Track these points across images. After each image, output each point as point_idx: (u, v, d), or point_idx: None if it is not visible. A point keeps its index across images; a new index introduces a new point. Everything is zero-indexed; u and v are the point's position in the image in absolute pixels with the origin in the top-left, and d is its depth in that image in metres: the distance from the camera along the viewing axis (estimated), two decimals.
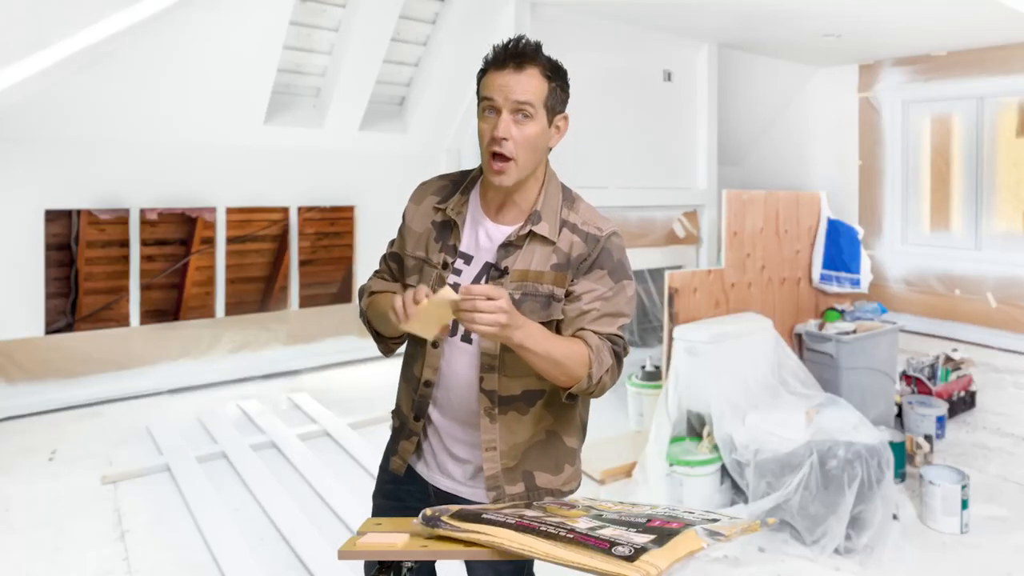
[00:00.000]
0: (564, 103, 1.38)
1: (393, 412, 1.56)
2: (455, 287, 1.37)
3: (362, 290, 1.54)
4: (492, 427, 1.39)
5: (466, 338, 1.39)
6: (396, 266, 1.52)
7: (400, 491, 1.50)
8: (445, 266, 1.39)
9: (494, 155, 1.31)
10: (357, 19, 4.56)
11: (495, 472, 1.40)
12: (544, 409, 1.42)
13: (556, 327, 1.37)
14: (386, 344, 1.49)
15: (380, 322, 1.43)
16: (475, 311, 1.16)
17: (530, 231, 1.36)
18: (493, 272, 1.36)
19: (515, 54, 1.30)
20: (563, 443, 1.46)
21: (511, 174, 1.32)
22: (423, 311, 1.21)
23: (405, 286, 1.47)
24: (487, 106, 1.32)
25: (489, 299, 1.17)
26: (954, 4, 4.62)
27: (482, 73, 1.35)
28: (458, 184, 1.46)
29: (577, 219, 1.40)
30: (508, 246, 1.36)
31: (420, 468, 1.48)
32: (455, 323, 1.39)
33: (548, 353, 1.26)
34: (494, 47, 1.33)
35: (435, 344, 1.40)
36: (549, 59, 1.34)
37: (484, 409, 1.38)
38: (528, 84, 1.30)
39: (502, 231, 1.38)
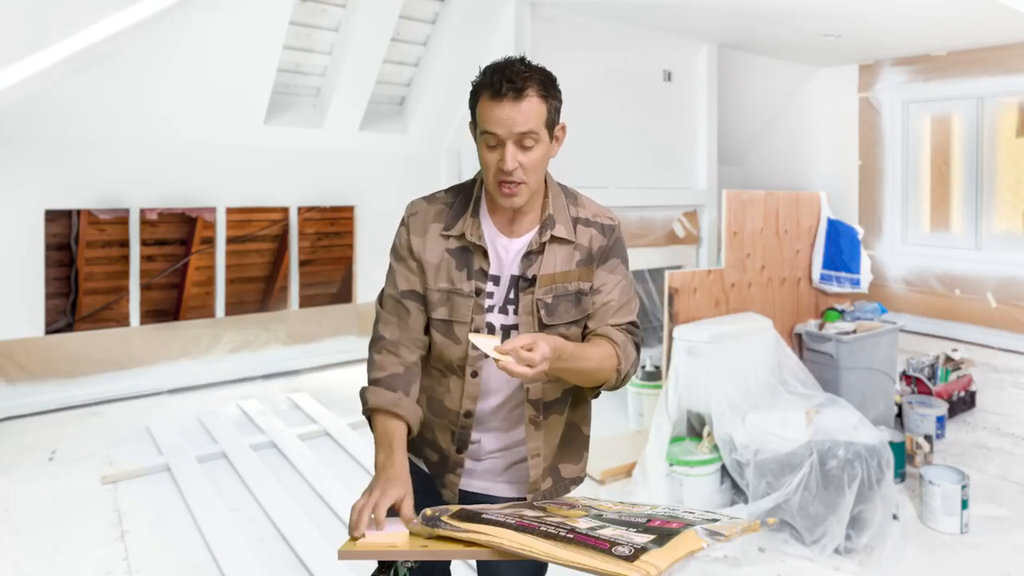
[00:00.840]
0: (560, 111, 1.35)
1: (420, 442, 1.48)
2: (490, 327, 1.37)
3: (363, 396, 1.37)
4: (537, 434, 1.41)
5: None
6: (417, 304, 1.40)
7: (422, 500, 1.42)
8: (479, 293, 1.36)
9: (503, 182, 1.30)
10: (357, 19, 4.56)
11: (537, 477, 1.43)
12: (572, 405, 1.46)
13: (582, 322, 1.40)
14: None
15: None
16: (521, 369, 1.16)
17: (550, 235, 1.36)
18: (522, 283, 1.36)
19: (513, 84, 1.25)
20: (581, 432, 1.51)
21: (523, 195, 1.32)
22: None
23: (430, 320, 1.40)
24: (490, 138, 1.28)
25: (526, 350, 1.17)
26: (954, 4, 4.62)
27: (474, 98, 1.30)
28: (453, 206, 1.41)
29: (586, 213, 1.42)
30: (529, 255, 1.36)
31: None
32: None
33: (582, 368, 1.29)
34: (485, 72, 1.29)
35: (474, 374, 1.38)
36: (540, 74, 1.30)
37: (530, 418, 1.40)
38: (529, 112, 1.26)
39: (516, 244, 1.38)
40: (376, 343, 1.41)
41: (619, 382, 1.36)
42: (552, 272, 1.36)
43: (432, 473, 1.48)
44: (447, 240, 1.38)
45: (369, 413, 1.36)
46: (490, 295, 1.37)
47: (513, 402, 1.41)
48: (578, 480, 1.51)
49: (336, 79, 4.87)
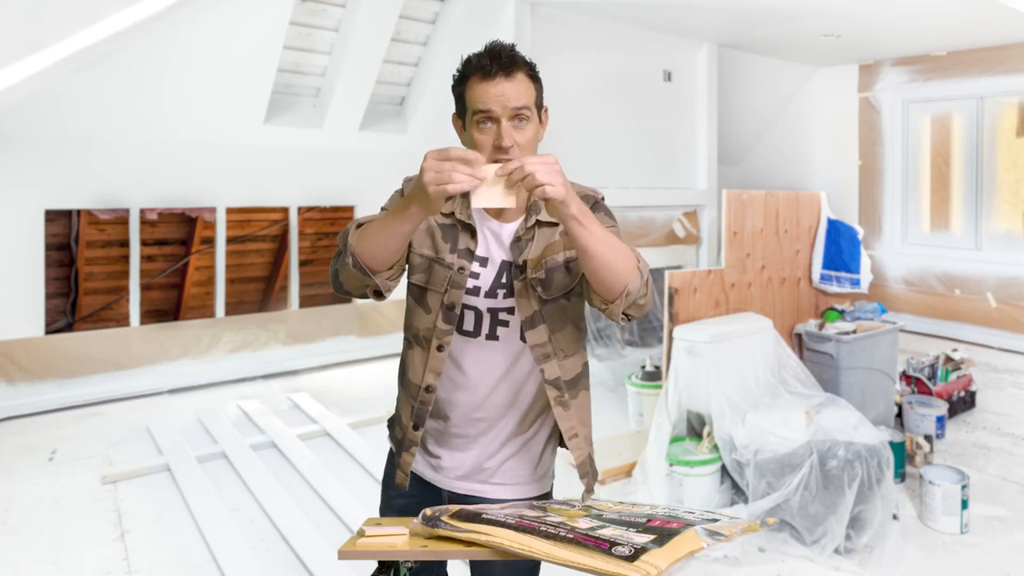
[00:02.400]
0: (543, 96, 1.39)
1: (393, 423, 1.52)
2: (476, 311, 1.36)
3: (345, 232, 1.31)
4: (568, 414, 1.39)
5: (492, 335, 1.37)
6: None
7: (411, 504, 1.45)
8: (462, 270, 1.37)
9: (499, 161, 1.29)
10: (357, 19, 4.56)
11: (584, 459, 1.42)
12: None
13: (576, 289, 1.39)
14: (382, 279, 1.30)
15: (379, 238, 1.25)
16: (534, 174, 1.11)
17: (536, 220, 1.37)
18: (515, 270, 1.36)
19: (502, 63, 1.28)
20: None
21: None
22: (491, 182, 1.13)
23: (408, 286, 1.43)
24: (483, 118, 1.29)
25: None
26: (954, 4, 4.62)
27: (461, 85, 1.32)
28: None
29: None
30: (519, 241, 1.37)
31: (430, 475, 1.45)
32: (477, 324, 1.36)
33: (605, 235, 1.19)
34: (472, 57, 1.31)
35: (440, 348, 1.37)
36: (523, 57, 1.35)
37: (555, 399, 1.38)
38: (520, 89, 1.29)
39: (506, 228, 1.39)
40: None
41: (644, 288, 1.24)
42: (540, 251, 1.36)
43: (396, 453, 1.48)
44: (437, 215, 1.39)
45: (358, 236, 1.28)
46: (475, 275, 1.37)
47: (512, 389, 1.39)
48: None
49: (336, 79, 4.87)
